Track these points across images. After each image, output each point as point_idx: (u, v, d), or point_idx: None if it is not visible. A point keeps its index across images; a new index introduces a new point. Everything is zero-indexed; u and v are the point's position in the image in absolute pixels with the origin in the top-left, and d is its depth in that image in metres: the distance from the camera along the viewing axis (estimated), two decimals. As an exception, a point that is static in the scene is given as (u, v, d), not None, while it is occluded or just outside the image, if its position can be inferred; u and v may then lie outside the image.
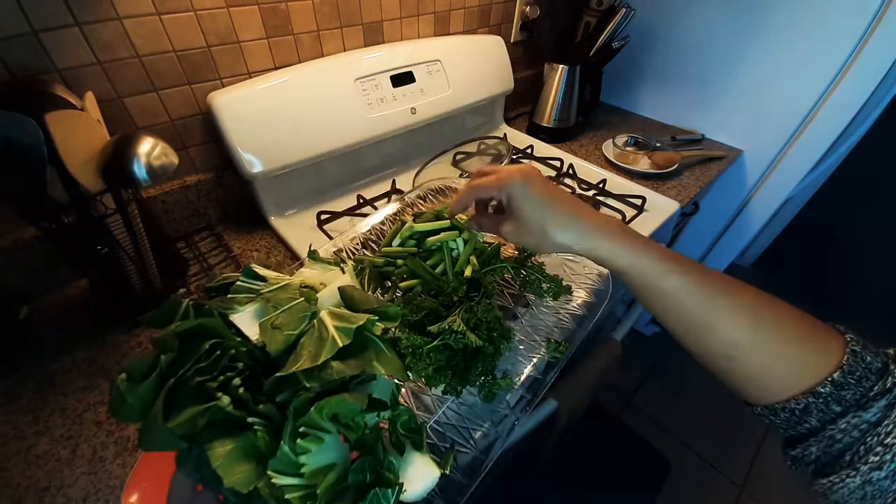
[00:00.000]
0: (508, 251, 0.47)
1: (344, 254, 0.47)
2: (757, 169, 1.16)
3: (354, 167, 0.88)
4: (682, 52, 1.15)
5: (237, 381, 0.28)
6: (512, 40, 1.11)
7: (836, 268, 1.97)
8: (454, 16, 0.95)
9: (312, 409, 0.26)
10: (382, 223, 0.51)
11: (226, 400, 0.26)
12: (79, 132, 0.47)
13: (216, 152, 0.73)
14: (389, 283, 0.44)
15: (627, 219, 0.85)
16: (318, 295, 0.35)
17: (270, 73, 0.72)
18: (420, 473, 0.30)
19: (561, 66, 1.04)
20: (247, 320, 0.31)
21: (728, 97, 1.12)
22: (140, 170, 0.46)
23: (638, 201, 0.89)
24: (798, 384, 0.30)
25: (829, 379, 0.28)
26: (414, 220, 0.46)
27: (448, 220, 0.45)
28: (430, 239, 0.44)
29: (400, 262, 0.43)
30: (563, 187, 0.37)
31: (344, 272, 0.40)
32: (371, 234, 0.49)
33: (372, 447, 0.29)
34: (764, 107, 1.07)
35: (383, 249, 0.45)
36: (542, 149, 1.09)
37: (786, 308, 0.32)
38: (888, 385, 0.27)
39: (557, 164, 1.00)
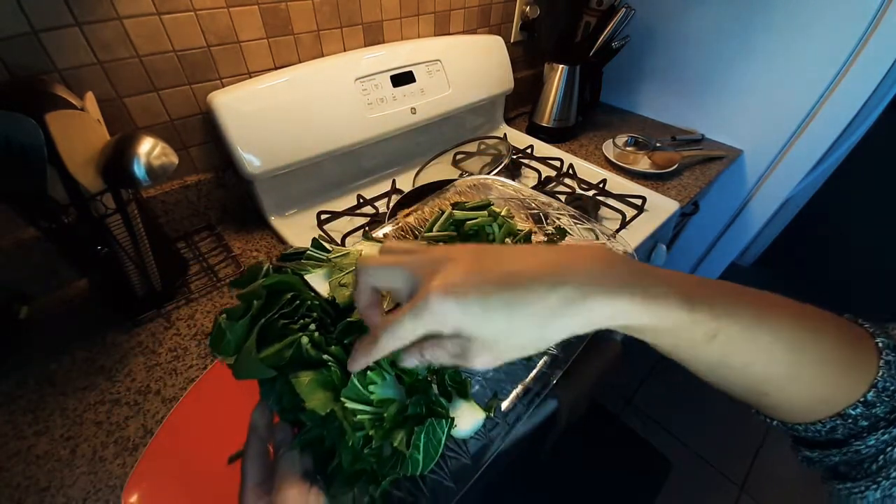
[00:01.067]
0: (539, 237, 0.48)
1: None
2: (757, 169, 1.16)
3: (354, 167, 0.88)
4: (682, 52, 1.15)
5: (313, 326, 0.32)
6: (512, 40, 1.11)
7: (836, 268, 1.97)
8: (454, 16, 0.95)
9: None
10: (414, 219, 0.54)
11: (306, 339, 0.31)
12: (79, 132, 0.47)
13: (216, 152, 0.73)
14: None
15: (628, 218, 0.85)
16: None
17: (270, 73, 0.72)
18: (467, 415, 0.34)
19: (561, 66, 1.04)
20: (318, 280, 0.37)
21: (728, 97, 1.12)
22: (140, 170, 0.46)
23: (638, 201, 0.89)
24: (828, 409, 0.26)
25: (861, 400, 0.25)
26: (453, 208, 0.50)
27: (485, 210, 0.48)
28: (469, 223, 0.47)
29: (441, 244, 0.45)
30: (500, 247, 0.28)
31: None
32: (413, 222, 0.53)
33: (425, 390, 0.34)
34: (764, 107, 1.07)
35: (424, 234, 0.48)
36: (542, 149, 1.09)
37: (826, 323, 0.27)
38: None
39: (557, 164, 1.00)
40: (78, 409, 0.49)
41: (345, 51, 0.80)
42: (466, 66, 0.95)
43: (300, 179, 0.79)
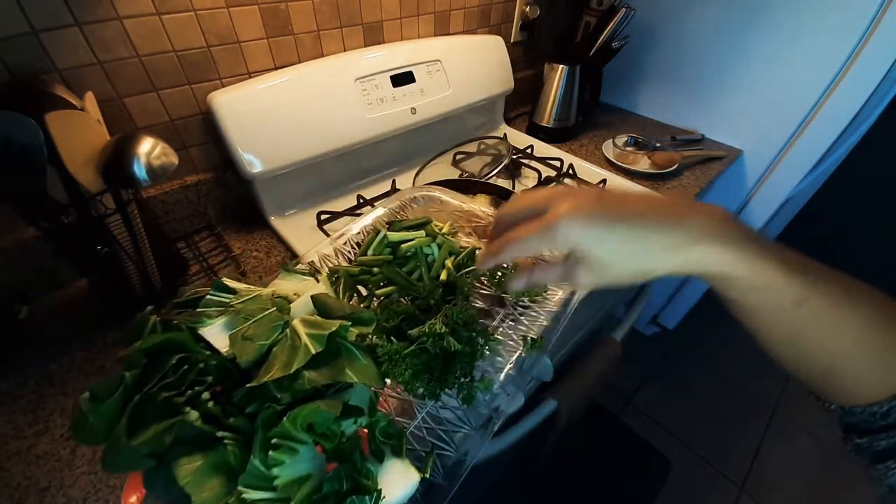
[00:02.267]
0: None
1: (319, 265, 0.46)
2: (757, 169, 1.16)
3: (354, 167, 0.88)
4: (682, 52, 1.15)
5: (206, 395, 0.27)
6: (512, 40, 1.11)
7: (836, 268, 1.97)
8: (454, 16, 0.95)
9: (285, 419, 0.26)
10: (358, 233, 0.51)
11: (194, 414, 0.26)
12: (79, 132, 0.47)
13: (216, 152, 0.73)
14: (366, 292, 0.44)
15: (627, 219, 0.85)
16: (290, 305, 0.34)
17: (270, 73, 0.72)
18: (399, 479, 0.30)
19: (561, 66, 1.04)
20: (216, 333, 0.31)
21: (728, 97, 1.12)
22: (140, 170, 0.46)
23: (638, 201, 0.88)
24: (887, 390, 0.27)
25: None
26: (388, 229, 0.46)
27: (422, 229, 0.45)
28: (405, 245, 0.44)
29: (376, 270, 0.43)
30: (625, 190, 0.31)
31: (318, 282, 0.40)
32: (346, 245, 0.49)
33: (349, 456, 0.29)
34: (764, 107, 1.07)
35: (359, 259, 0.44)
36: (542, 149, 1.09)
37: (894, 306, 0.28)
38: None
39: (557, 164, 1.00)
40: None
41: (345, 51, 0.80)
42: (466, 66, 0.95)
43: (300, 179, 0.79)
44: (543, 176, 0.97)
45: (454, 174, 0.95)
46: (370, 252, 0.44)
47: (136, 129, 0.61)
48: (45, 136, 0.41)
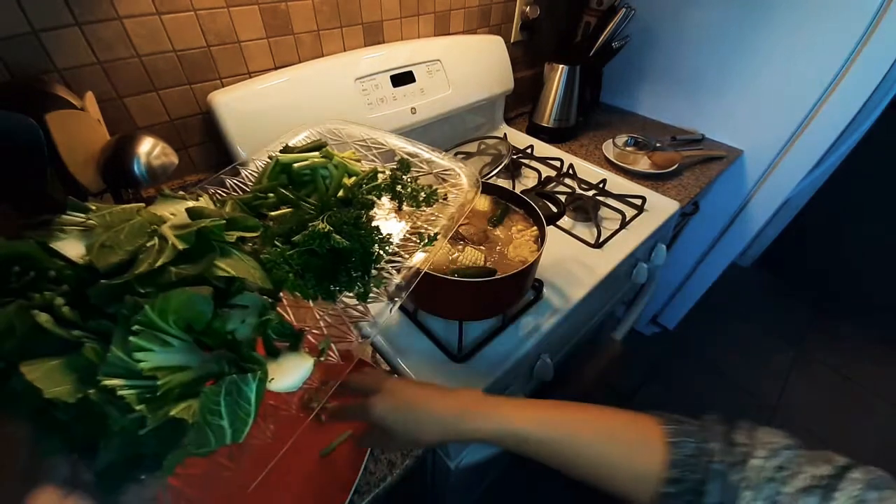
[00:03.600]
0: (384, 175, 0.45)
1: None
2: (757, 169, 1.16)
3: (354, 167, 0.88)
4: (682, 52, 1.15)
5: (60, 300, 0.24)
6: (512, 40, 1.11)
7: (836, 268, 1.97)
8: (454, 16, 0.95)
9: (146, 305, 0.24)
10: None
11: (43, 316, 0.23)
12: (79, 132, 0.47)
13: (216, 152, 0.73)
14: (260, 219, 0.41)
15: (628, 218, 0.85)
16: (166, 224, 0.31)
17: (271, 72, 0.72)
18: (293, 367, 0.30)
19: (561, 66, 1.04)
20: (72, 246, 0.27)
21: (728, 97, 1.12)
22: (140, 169, 0.46)
23: (638, 201, 0.89)
24: (650, 488, 0.32)
25: (667, 477, 0.32)
26: (281, 153, 0.44)
27: (317, 151, 0.43)
28: (297, 166, 0.42)
29: (271, 195, 0.41)
30: (412, 385, 0.45)
31: (199, 201, 0.37)
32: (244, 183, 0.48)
33: (236, 348, 0.27)
34: (764, 107, 1.07)
35: (254, 188, 0.43)
36: (542, 149, 1.09)
37: (614, 420, 0.38)
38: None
39: (557, 164, 1.00)
40: None
41: (345, 51, 0.80)
42: (466, 66, 0.95)
43: (300, 179, 0.79)
44: (543, 176, 0.97)
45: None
46: (265, 180, 0.42)
47: (136, 129, 0.61)
48: (45, 136, 0.41)
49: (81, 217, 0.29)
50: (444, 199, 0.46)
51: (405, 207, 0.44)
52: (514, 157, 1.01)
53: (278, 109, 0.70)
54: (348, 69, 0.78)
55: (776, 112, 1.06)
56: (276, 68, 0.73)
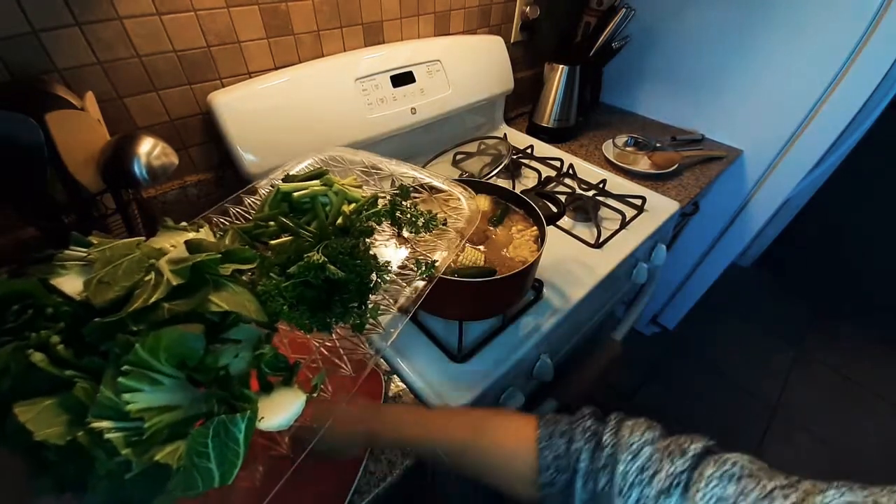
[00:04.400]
0: (384, 201, 0.46)
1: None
2: (757, 169, 1.16)
3: (354, 167, 0.88)
4: (681, 52, 1.15)
5: (55, 338, 0.24)
6: (512, 40, 1.11)
7: (836, 268, 1.97)
8: (454, 16, 0.95)
9: (138, 344, 0.24)
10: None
11: (38, 356, 0.23)
12: (79, 132, 0.47)
13: (216, 152, 0.73)
14: (260, 247, 0.42)
15: (628, 219, 0.85)
16: (164, 257, 0.31)
17: (270, 73, 0.72)
18: (284, 404, 0.30)
19: (561, 66, 1.04)
20: (72, 282, 0.28)
21: (728, 97, 1.12)
22: (140, 170, 0.46)
23: (638, 201, 0.89)
24: (532, 490, 0.35)
25: (542, 482, 0.34)
26: (282, 181, 0.45)
27: (317, 179, 0.44)
28: (297, 194, 0.42)
29: (271, 223, 0.41)
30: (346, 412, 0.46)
31: (199, 232, 0.38)
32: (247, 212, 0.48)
33: (225, 386, 0.27)
34: (764, 107, 1.07)
35: (256, 216, 0.43)
36: (542, 149, 1.09)
37: (486, 423, 0.41)
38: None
39: (557, 164, 1.00)
40: None
41: (345, 51, 0.80)
42: (466, 67, 0.95)
43: (300, 179, 0.79)
44: (544, 176, 0.97)
45: (454, 174, 0.95)
46: (266, 208, 0.43)
47: (137, 129, 0.61)
48: (45, 136, 0.41)
49: (83, 252, 0.30)
50: (444, 224, 0.46)
51: (405, 233, 0.44)
52: (514, 157, 1.01)
53: (278, 109, 0.70)
54: (348, 69, 0.78)
55: (776, 112, 1.06)
56: (276, 68, 0.73)
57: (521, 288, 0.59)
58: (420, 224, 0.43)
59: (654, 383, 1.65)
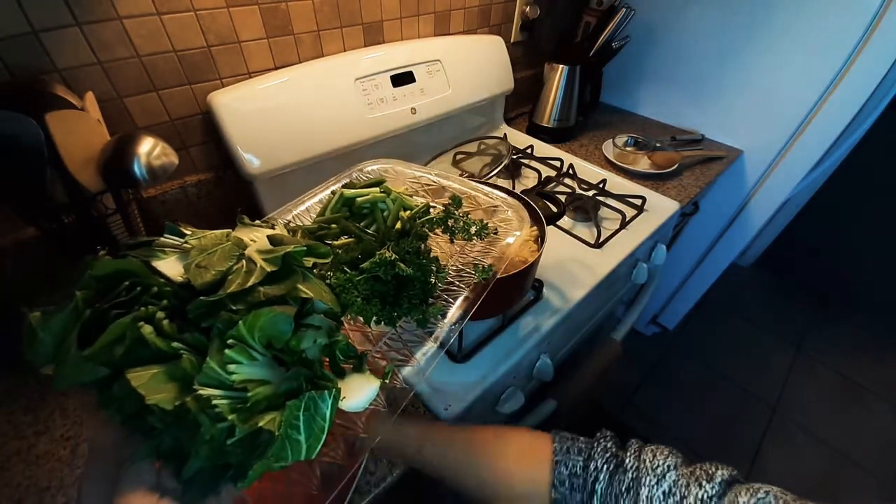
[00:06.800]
0: (438, 209, 0.49)
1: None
2: (757, 169, 1.16)
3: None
4: (682, 52, 1.15)
5: (161, 314, 0.26)
6: (512, 40, 1.11)
7: (836, 268, 1.97)
8: (454, 16, 0.95)
9: (240, 322, 0.26)
10: (319, 202, 0.52)
11: (147, 328, 0.25)
12: (79, 132, 0.47)
13: (216, 152, 0.73)
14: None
15: (628, 219, 0.85)
16: (250, 247, 0.34)
17: (270, 73, 0.72)
18: (360, 386, 0.32)
19: (561, 66, 1.05)
20: (171, 265, 0.30)
21: (728, 97, 1.12)
22: (140, 170, 0.46)
23: (638, 201, 0.89)
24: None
25: (553, 497, 0.33)
26: (343, 188, 0.48)
27: (376, 186, 0.47)
28: (359, 200, 0.45)
29: (333, 225, 0.44)
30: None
31: (274, 228, 0.41)
32: (307, 214, 0.51)
33: (309, 367, 0.29)
34: (764, 107, 1.07)
35: (317, 219, 0.46)
36: (542, 149, 1.09)
37: (508, 437, 0.40)
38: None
39: (557, 164, 1.00)
40: (78, 409, 0.49)
41: (345, 51, 0.80)
42: (466, 67, 0.95)
43: (300, 179, 0.79)
44: (544, 176, 0.97)
45: (454, 174, 0.95)
46: (328, 213, 0.46)
47: (137, 129, 0.61)
48: (45, 136, 0.41)
49: (178, 240, 0.33)
50: (495, 232, 0.48)
51: (457, 241, 0.46)
52: (514, 157, 1.01)
53: (278, 109, 0.70)
54: (348, 69, 0.78)
55: (776, 112, 1.06)
56: (276, 68, 0.73)
57: (521, 288, 0.59)
58: (473, 231, 0.45)
59: (654, 383, 1.65)
